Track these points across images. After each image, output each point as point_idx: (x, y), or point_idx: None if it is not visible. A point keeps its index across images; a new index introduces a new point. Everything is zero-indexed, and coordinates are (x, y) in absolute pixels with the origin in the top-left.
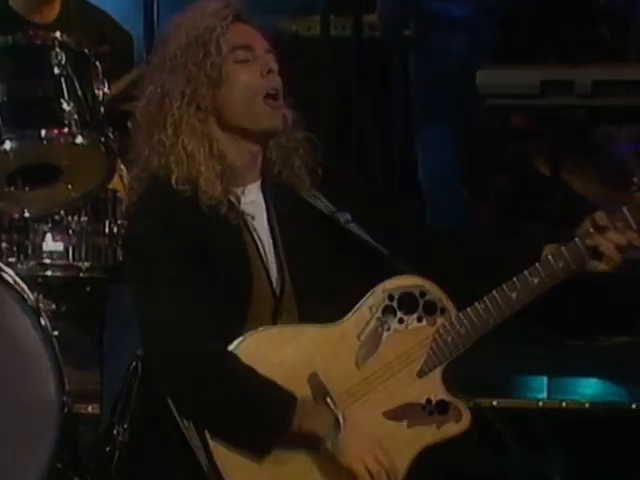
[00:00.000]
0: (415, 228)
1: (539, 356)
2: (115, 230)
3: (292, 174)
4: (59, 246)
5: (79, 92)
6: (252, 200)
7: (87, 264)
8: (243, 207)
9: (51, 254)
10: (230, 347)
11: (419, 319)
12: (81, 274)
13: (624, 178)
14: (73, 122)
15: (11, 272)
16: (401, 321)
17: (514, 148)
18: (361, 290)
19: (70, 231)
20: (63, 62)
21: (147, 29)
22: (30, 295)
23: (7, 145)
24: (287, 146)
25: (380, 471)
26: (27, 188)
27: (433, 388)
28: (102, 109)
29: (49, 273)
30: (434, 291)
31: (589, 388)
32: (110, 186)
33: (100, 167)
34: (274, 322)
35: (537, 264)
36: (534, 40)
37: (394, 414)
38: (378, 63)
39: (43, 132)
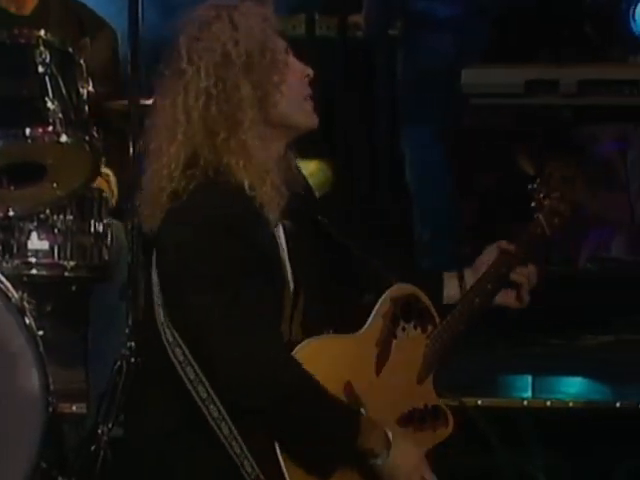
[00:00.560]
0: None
1: (524, 355)
2: (100, 229)
3: (291, 174)
4: (44, 245)
5: (63, 91)
6: None
7: (72, 263)
8: None
9: (36, 253)
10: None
11: (415, 327)
12: (66, 273)
13: (609, 178)
14: (58, 121)
15: None
16: (403, 329)
17: (499, 148)
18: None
19: (55, 230)
20: (47, 61)
21: (131, 28)
22: (15, 294)
23: None
24: None
25: None
26: (12, 187)
27: (429, 394)
28: (86, 108)
29: (34, 272)
30: (424, 299)
31: (574, 387)
32: (95, 185)
33: (85, 166)
34: (290, 329)
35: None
36: (529, 40)
37: (404, 421)
38: (363, 63)
39: (28, 131)
